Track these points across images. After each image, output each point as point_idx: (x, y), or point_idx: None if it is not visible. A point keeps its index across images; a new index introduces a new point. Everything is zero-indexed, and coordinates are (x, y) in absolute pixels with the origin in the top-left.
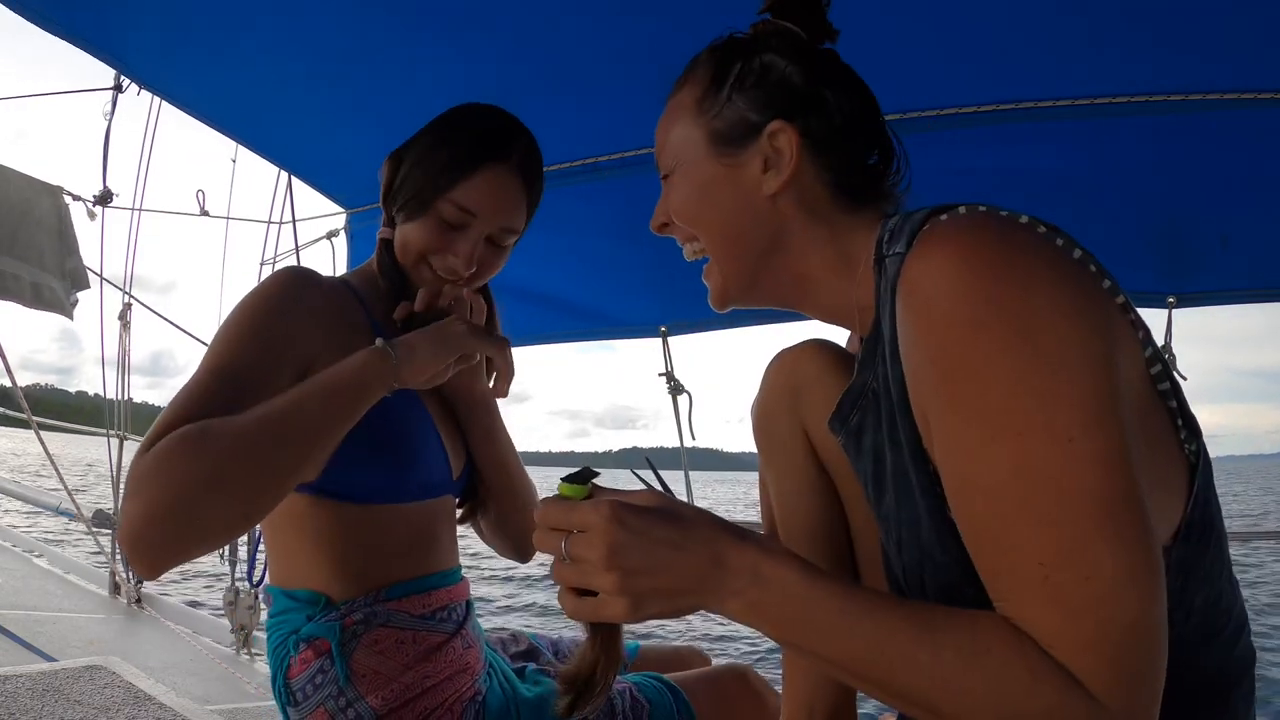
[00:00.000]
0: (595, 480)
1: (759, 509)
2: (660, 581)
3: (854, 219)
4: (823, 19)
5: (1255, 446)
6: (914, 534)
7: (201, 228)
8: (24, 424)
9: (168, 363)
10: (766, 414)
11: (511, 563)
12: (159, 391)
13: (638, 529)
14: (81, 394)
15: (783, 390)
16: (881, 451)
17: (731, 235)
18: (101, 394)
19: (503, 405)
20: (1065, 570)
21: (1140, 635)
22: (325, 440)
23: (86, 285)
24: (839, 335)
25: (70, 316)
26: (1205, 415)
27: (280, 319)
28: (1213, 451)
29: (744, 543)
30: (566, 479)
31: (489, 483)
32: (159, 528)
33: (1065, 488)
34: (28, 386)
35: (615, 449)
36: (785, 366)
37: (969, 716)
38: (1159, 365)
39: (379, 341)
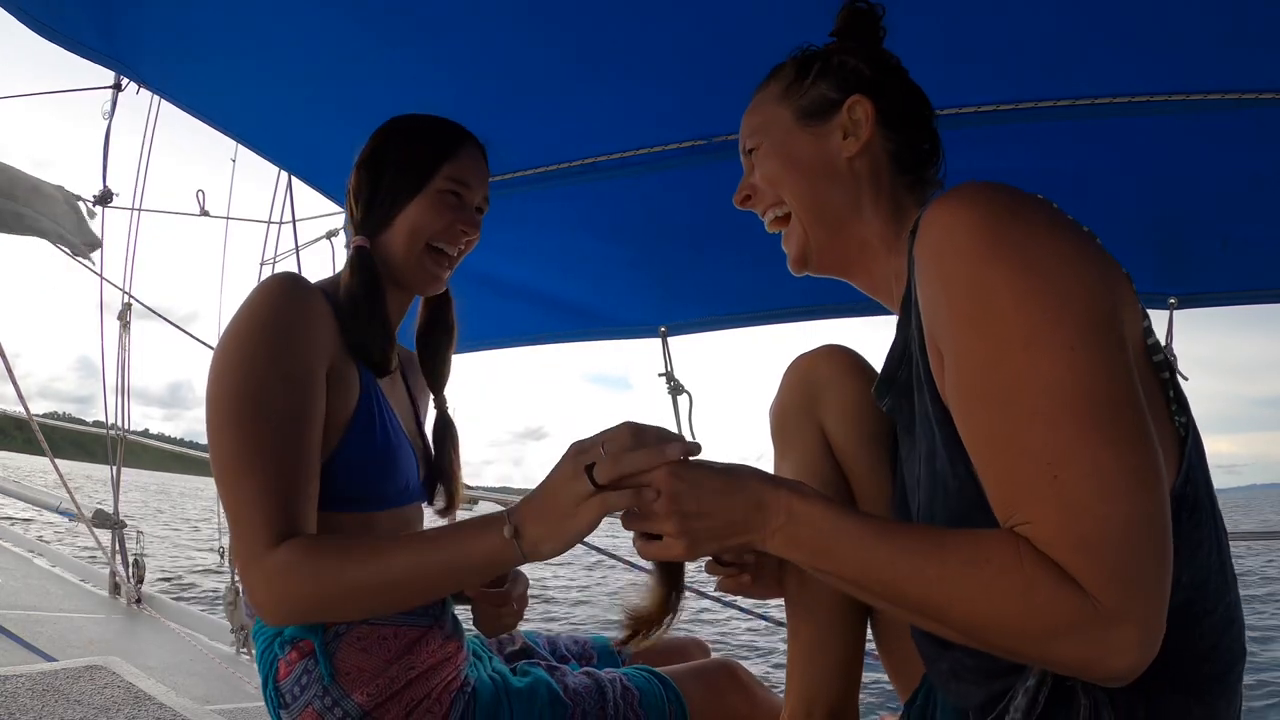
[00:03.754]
0: None
1: None
2: (712, 523)
3: (907, 195)
4: (879, 46)
5: None
6: (930, 467)
7: (201, 228)
8: (34, 445)
9: (186, 394)
10: (784, 414)
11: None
12: (175, 424)
13: (692, 480)
14: (99, 423)
15: (801, 392)
16: (913, 398)
17: (814, 193)
18: (117, 423)
19: (521, 443)
20: (1069, 469)
21: (1139, 534)
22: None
23: (99, 244)
24: (850, 340)
25: (90, 259)
26: (1226, 446)
27: (293, 347)
28: (1236, 482)
29: (779, 488)
30: None
31: None
32: (291, 618)
33: (1069, 392)
34: (46, 414)
35: None
36: (804, 369)
37: (972, 619)
38: (1154, 338)
39: (507, 530)
